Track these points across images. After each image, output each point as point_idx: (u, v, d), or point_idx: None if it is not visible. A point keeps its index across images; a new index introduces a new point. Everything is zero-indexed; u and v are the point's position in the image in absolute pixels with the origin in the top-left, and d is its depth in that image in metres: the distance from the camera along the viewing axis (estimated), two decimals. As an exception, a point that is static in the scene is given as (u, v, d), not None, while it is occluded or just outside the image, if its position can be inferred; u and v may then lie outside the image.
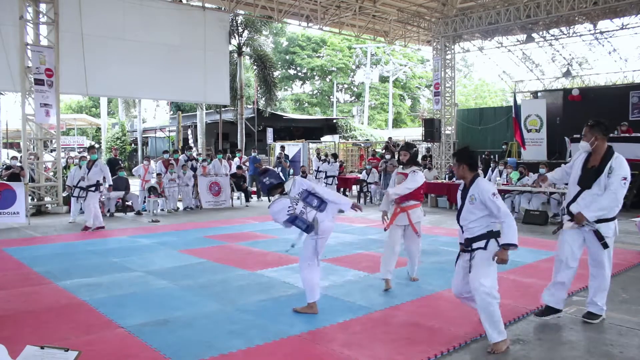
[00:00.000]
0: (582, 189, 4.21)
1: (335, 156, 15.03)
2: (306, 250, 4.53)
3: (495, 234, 3.75)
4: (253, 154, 16.72)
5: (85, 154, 11.85)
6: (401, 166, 5.56)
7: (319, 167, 14.99)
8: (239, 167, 14.94)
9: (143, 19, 14.14)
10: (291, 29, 40.18)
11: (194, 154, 14.67)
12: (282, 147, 17.87)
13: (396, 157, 12.82)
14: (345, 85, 44.80)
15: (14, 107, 29.21)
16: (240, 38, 21.77)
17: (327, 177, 14.53)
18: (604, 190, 4.08)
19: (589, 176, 4.18)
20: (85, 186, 9.92)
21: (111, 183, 10.64)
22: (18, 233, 9.44)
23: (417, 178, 5.33)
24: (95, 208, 9.76)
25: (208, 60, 15.40)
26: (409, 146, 5.62)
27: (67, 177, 11.66)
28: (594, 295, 4.32)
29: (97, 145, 31.50)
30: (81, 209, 10.77)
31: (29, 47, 11.76)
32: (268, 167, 4.95)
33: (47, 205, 12.45)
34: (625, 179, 4.02)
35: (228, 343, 3.84)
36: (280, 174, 4.81)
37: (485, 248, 3.74)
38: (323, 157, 15.62)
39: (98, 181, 9.89)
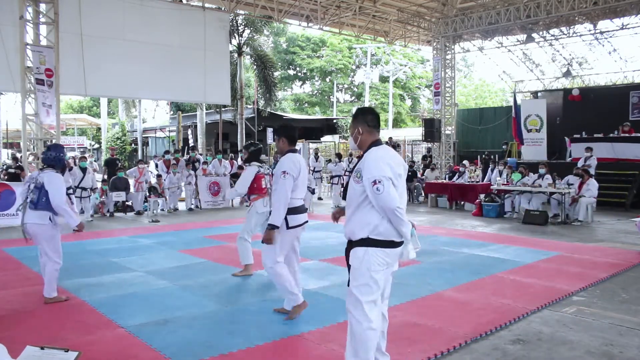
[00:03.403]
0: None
1: (339, 156, 15.18)
2: None
3: None
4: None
5: (86, 154, 11.83)
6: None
7: (315, 168, 15.13)
8: (239, 167, 14.94)
9: (143, 19, 14.13)
10: (291, 29, 40.18)
11: (197, 155, 14.67)
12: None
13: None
14: (345, 85, 44.77)
15: (14, 107, 29.26)
16: (240, 38, 21.77)
17: (332, 177, 14.64)
18: (357, 201, 2.94)
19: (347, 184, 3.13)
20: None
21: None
22: (18, 233, 9.39)
23: (244, 174, 5.80)
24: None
25: (208, 60, 15.39)
26: (247, 146, 6.31)
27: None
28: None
29: (97, 146, 31.63)
30: (82, 209, 10.79)
31: (28, 47, 11.75)
32: (58, 144, 5.49)
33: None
34: (376, 182, 2.78)
35: (228, 343, 3.84)
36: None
37: None
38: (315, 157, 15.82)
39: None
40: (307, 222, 4.45)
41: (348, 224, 3.00)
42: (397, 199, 2.81)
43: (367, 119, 3.05)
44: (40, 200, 4.76)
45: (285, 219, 4.16)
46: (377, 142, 3.02)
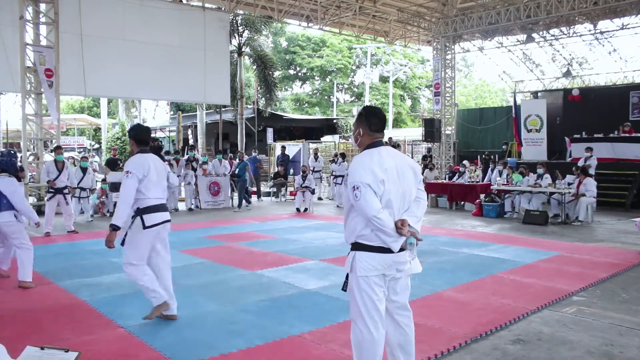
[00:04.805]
0: None
1: (343, 156, 15.21)
2: None
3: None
4: (253, 154, 16.75)
5: (86, 154, 11.76)
6: None
7: (314, 168, 15.18)
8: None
9: (143, 19, 14.14)
10: (291, 29, 40.19)
11: (196, 155, 14.65)
12: (283, 147, 17.88)
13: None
14: (346, 86, 44.78)
15: (14, 107, 29.29)
16: (240, 38, 21.77)
17: (335, 177, 14.63)
18: (348, 205, 2.95)
19: None
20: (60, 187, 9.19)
21: (74, 185, 9.97)
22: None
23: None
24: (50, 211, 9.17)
25: (208, 60, 15.40)
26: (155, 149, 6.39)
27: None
28: None
29: (97, 146, 31.63)
30: (81, 209, 10.79)
31: (28, 47, 11.75)
32: (10, 151, 5.92)
33: (47, 205, 12.44)
34: (354, 188, 2.77)
35: (228, 343, 3.84)
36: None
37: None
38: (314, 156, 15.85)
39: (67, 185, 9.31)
40: (168, 220, 4.35)
41: (344, 229, 2.94)
42: (374, 207, 2.68)
43: (371, 122, 2.90)
44: (2, 203, 5.32)
45: (142, 218, 4.14)
46: (373, 144, 2.89)
